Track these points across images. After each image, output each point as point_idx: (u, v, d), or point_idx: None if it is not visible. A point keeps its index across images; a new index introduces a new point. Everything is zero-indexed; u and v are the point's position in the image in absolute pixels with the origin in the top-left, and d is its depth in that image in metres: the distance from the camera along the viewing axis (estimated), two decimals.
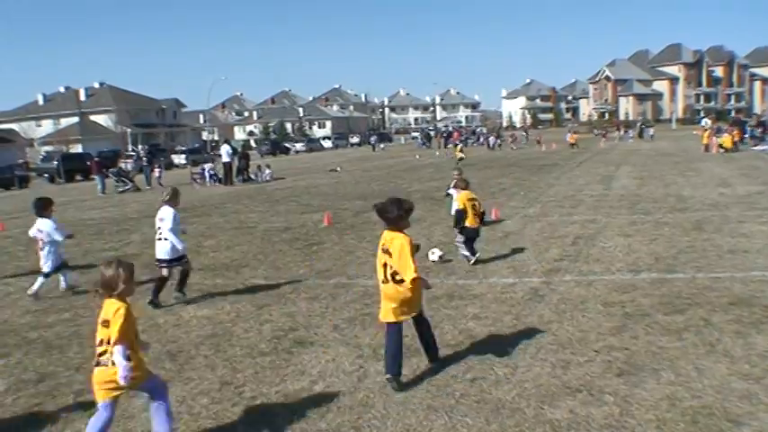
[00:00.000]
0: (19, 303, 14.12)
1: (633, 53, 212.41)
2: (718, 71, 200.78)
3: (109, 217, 29.70)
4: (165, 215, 13.17)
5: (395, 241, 8.40)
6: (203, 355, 9.94)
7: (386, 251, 8.48)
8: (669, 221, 19.50)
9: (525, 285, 13.03)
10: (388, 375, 8.40)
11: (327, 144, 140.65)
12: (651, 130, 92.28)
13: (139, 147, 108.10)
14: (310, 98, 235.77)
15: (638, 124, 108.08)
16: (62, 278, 14.85)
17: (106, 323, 6.65)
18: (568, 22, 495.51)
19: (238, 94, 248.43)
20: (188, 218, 26.44)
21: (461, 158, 53.77)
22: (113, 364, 6.57)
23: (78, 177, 73.20)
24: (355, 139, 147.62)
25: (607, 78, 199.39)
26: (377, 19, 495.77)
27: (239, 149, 54.15)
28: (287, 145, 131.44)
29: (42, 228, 14.65)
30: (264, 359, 9.63)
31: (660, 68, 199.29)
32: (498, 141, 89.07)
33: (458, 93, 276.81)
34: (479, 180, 37.03)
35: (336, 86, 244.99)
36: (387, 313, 8.55)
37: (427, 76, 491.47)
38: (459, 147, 62.07)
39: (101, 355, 6.69)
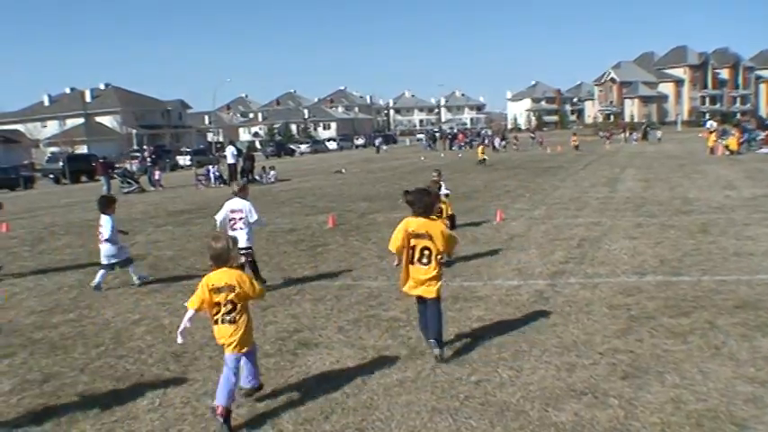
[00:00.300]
0: (24, 304, 14.12)
1: (638, 55, 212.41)
2: (724, 73, 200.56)
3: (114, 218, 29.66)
4: (242, 206, 14.06)
5: (434, 227, 9.50)
6: (208, 356, 9.95)
7: (418, 235, 9.41)
8: (675, 224, 19.48)
9: (530, 288, 13.02)
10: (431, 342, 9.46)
11: (332, 146, 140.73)
12: (658, 133, 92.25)
13: (144, 147, 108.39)
14: (315, 100, 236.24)
15: (643, 126, 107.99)
16: (100, 273, 15.16)
17: (229, 287, 7.79)
18: (573, 23, 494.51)
19: (243, 95, 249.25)
20: (192, 219, 26.57)
21: (483, 160, 53.72)
22: (233, 322, 7.87)
23: (84, 178, 73.28)
24: (360, 141, 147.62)
25: (612, 80, 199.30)
26: (382, 21, 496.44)
27: (244, 151, 54.20)
28: (292, 146, 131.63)
29: (101, 223, 15.23)
30: (269, 360, 9.62)
31: (665, 71, 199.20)
32: (503, 143, 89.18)
33: (463, 95, 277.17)
34: (484, 182, 37.11)
35: (341, 88, 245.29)
36: (411, 289, 9.66)
37: (432, 77, 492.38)
38: (481, 148, 60.93)
39: (226, 314, 7.85)
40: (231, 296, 7.77)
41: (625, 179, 35.16)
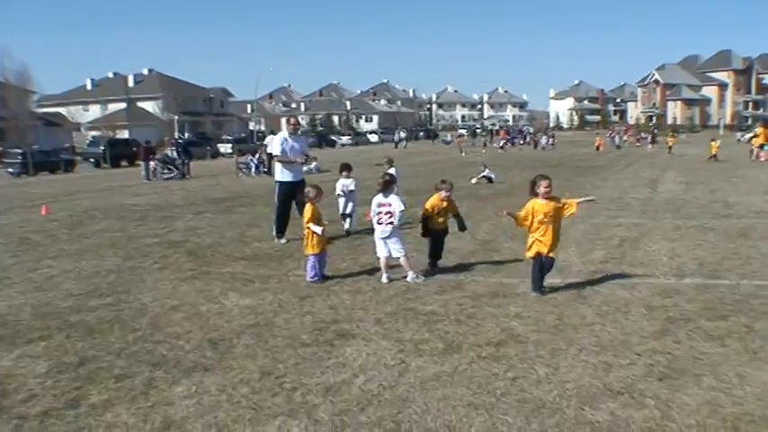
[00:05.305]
0: (61, 286, 14.19)
1: (683, 58, 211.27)
2: None
3: (153, 203, 29.91)
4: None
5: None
6: (244, 345, 9.99)
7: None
8: (714, 227, 19.36)
9: (569, 286, 13.01)
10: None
11: (374, 138, 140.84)
12: (669, 140, 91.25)
13: (185, 134, 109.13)
14: (358, 92, 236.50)
15: (652, 129, 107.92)
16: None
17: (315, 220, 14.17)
18: (619, 24, 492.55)
19: (286, 85, 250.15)
20: (232, 207, 26.74)
21: (715, 155, 51.86)
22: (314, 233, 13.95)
23: (124, 163, 73.84)
24: (402, 134, 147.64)
25: (656, 82, 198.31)
26: (427, 15, 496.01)
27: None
28: (333, 138, 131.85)
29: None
30: (306, 350, 9.65)
31: (709, 74, 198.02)
32: (552, 141, 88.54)
33: (506, 91, 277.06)
34: (525, 179, 36.97)
35: (384, 81, 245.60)
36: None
37: (476, 73, 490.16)
38: (715, 143, 55.09)
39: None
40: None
41: (666, 181, 35.02)
